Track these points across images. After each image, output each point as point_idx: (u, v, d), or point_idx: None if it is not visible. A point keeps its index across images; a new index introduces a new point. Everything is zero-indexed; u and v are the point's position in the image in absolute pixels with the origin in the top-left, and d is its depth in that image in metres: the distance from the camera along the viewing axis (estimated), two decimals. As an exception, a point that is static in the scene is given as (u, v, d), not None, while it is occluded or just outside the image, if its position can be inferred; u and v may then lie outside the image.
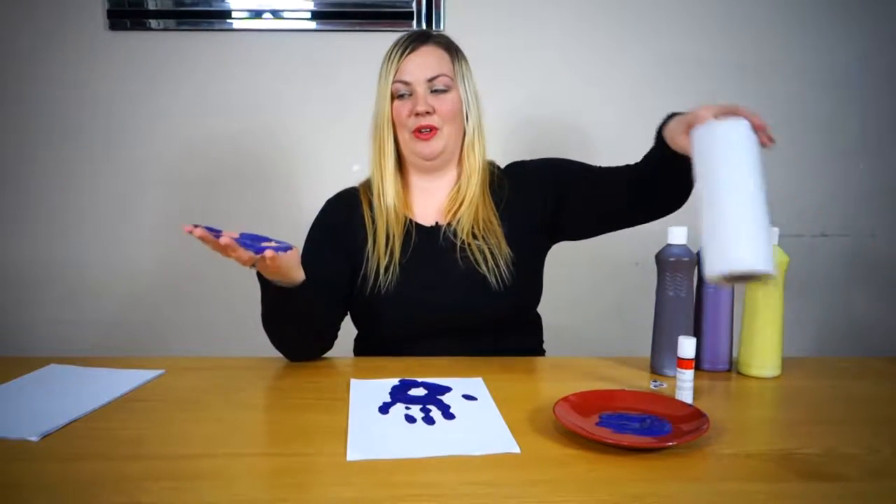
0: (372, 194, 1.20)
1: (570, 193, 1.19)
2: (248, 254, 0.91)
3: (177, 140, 1.86)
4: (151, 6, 1.81)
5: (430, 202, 1.20)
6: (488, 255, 1.12)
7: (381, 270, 1.12)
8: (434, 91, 1.14)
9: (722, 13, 1.86)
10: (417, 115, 1.13)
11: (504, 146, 1.89)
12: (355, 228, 1.18)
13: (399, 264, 1.12)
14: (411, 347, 1.13)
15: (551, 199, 1.20)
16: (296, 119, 1.86)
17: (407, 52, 1.14)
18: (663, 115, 1.14)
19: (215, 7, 1.81)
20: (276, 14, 1.82)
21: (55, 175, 1.87)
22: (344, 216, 1.20)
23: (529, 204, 1.20)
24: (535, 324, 1.29)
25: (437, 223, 1.18)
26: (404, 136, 1.16)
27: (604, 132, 1.89)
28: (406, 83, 1.13)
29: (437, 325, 1.13)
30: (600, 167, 1.21)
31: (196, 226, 0.87)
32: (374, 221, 1.17)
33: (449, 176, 1.21)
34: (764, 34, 1.87)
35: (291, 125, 1.87)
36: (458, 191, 1.18)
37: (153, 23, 1.82)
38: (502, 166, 1.28)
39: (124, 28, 1.82)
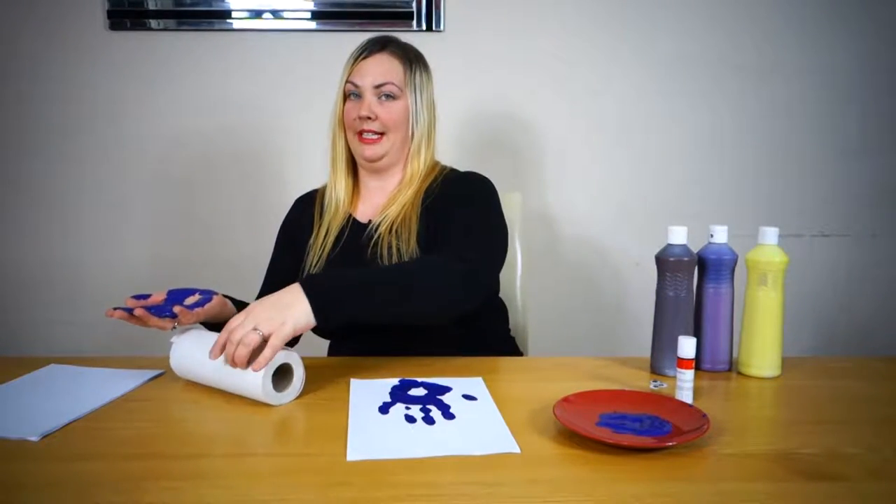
0: (326, 194, 1.28)
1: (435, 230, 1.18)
2: (165, 322, 1.01)
3: (177, 140, 1.86)
4: (151, 6, 1.81)
5: (373, 201, 1.26)
6: (395, 251, 1.14)
7: (314, 263, 1.20)
8: (383, 96, 1.18)
9: (722, 13, 1.86)
10: (361, 118, 1.17)
11: (502, 145, 1.90)
12: (305, 224, 1.27)
13: (328, 258, 1.19)
14: (357, 343, 1.18)
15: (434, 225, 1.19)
16: (296, 119, 1.86)
17: (362, 55, 1.20)
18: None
19: (215, 7, 1.81)
20: (276, 14, 1.82)
21: (55, 175, 1.87)
22: (299, 212, 1.31)
23: (435, 209, 1.19)
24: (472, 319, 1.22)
25: (369, 220, 1.22)
26: (351, 137, 1.21)
27: (604, 132, 1.89)
28: (356, 85, 1.19)
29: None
30: (446, 237, 1.14)
31: (116, 308, 0.99)
32: (321, 218, 1.25)
33: (395, 178, 1.26)
34: (764, 34, 1.87)
35: (291, 125, 1.87)
36: (397, 192, 1.23)
37: (153, 23, 1.82)
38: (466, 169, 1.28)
39: (124, 28, 1.82)
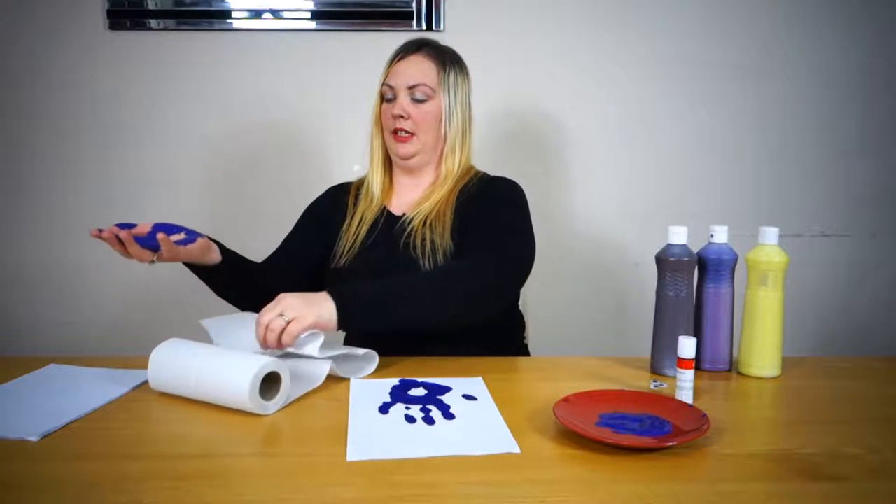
0: (362, 186, 1.33)
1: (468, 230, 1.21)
2: (146, 253, 1.06)
3: (176, 140, 1.86)
4: (151, 6, 1.81)
5: (408, 196, 1.30)
6: (427, 243, 1.18)
7: (346, 249, 1.25)
8: (414, 99, 1.22)
9: (722, 13, 1.86)
10: (395, 117, 1.23)
11: (503, 145, 1.90)
12: (336, 210, 1.32)
13: (361, 245, 1.24)
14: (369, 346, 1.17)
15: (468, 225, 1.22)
16: (296, 119, 1.86)
17: (398, 58, 1.25)
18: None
19: (215, 7, 1.81)
20: (276, 14, 1.82)
21: (55, 175, 1.86)
22: (330, 198, 1.37)
23: (468, 209, 1.23)
24: (504, 322, 1.29)
25: (403, 213, 1.26)
26: (386, 136, 1.27)
27: (605, 132, 1.89)
28: (391, 87, 1.24)
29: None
30: (476, 239, 1.18)
31: (101, 230, 1.03)
32: (355, 207, 1.30)
33: (428, 176, 1.30)
34: (764, 34, 1.87)
35: (291, 125, 1.87)
36: (431, 189, 1.27)
37: (153, 23, 1.82)
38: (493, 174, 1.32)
39: (124, 28, 1.82)
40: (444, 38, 1.31)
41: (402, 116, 1.22)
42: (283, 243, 1.34)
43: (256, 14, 1.82)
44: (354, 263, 1.23)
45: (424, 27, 1.81)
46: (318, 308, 0.96)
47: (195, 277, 1.23)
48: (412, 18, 1.81)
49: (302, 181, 1.88)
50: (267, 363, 0.87)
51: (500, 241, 1.15)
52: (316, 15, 1.82)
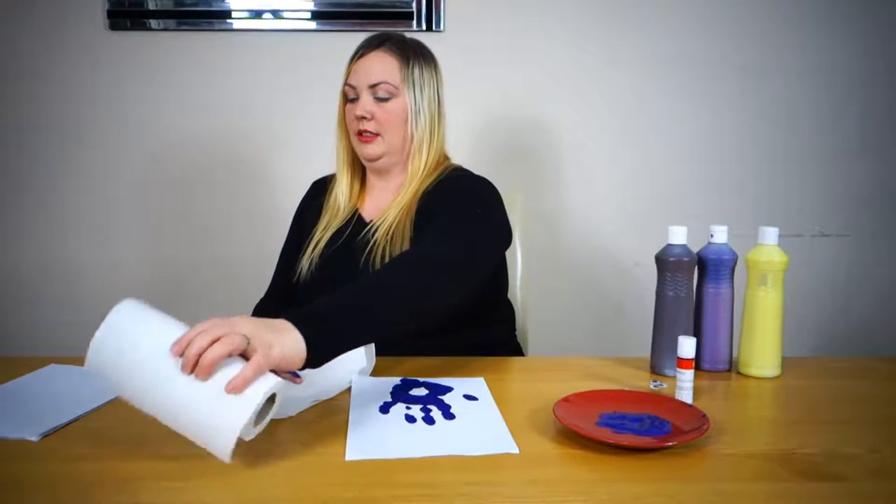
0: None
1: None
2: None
3: (176, 140, 1.86)
4: (151, 6, 1.81)
5: (379, 199, 1.24)
6: (387, 256, 1.11)
7: (306, 255, 1.20)
8: (377, 98, 1.16)
9: (722, 13, 1.86)
10: (357, 118, 1.16)
11: (503, 146, 1.90)
12: (314, 209, 1.27)
13: (321, 255, 1.18)
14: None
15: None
16: (296, 119, 1.86)
17: (358, 55, 1.19)
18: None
19: (215, 7, 1.81)
20: (276, 14, 1.82)
21: (55, 175, 1.86)
22: (311, 196, 1.33)
23: (429, 211, 1.14)
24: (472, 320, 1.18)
25: (372, 219, 1.20)
26: (352, 138, 1.20)
27: (604, 133, 1.89)
28: (353, 87, 1.18)
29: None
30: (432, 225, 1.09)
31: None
32: (325, 209, 1.25)
33: (398, 178, 1.23)
34: (764, 34, 1.87)
35: (291, 125, 1.87)
36: (398, 194, 1.19)
37: (153, 23, 1.82)
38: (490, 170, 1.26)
39: (124, 28, 1.82)
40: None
41: (364, 118, 1.15)
42: (280, 261, 1.30)
43: (256, 14, 1.82)
44: (313, 272, 1.17)
45: (424, 27, 1.81)
46: (283, 337, 0.74)
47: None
48: (412, 18, 1.81)
49: (302, 181, 1.87)
50: (269, 381, 0.70)
51: (451, 228, 1.04)
52: (316, 15, 1.82)
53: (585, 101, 1.88)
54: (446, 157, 1.25)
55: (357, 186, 1.26)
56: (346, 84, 1.19)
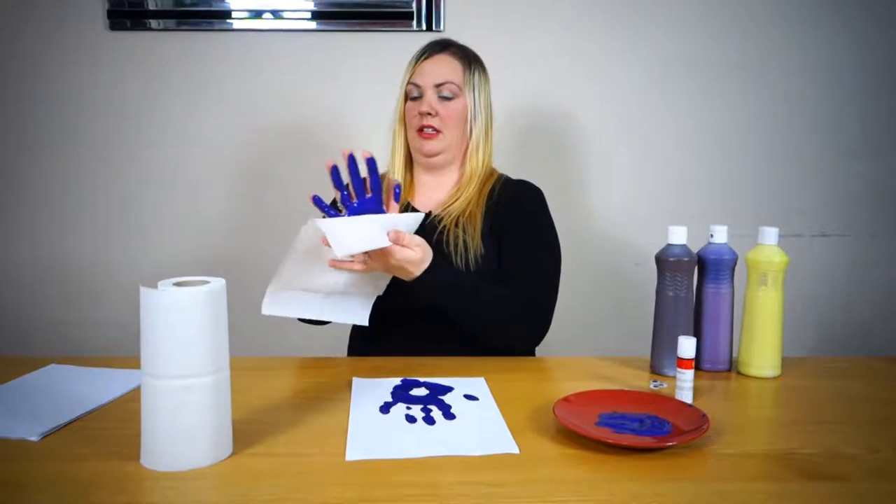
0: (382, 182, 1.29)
1: (504, 244, 1.24)
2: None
3: (176, 140, 1.86)
4: (151, 6, 1.81)
5: (430, 195, 1.29)
6: (460, 243, 1.19)
7: None
8: (441, 97, 1.23)
9: (723, 13, 1.86)
10: (422, 114, 1.22)
11: (501, 146, 1.89)
12: None
13: None
14: (397, 330, 1.20)
15: (502, 232, 1.24)
16: (296, 119, 1.86)
17: (423, 57, 1.26)
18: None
19: (215, 7, 1.81)
20: (276, 14, 1.82)
21: (55, 175, 1.86)
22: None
23: (501, 216, 1.24)
24: None
25: (430, 212, 1.26)
26: (411, 133, 1.26)
27: (604, 132, 1.89)
28: (417, 85, 1.24)
29: (400, 300, 1.13)
30: (510, 259, 1.22)
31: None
32: None
33: (450, 175, 1.29)
34: (764, 34, 1.87)
35: (291, 125, 1.87)
36: (457, 189, 1.27)
37: (153, 23, 1.82)
38: (513, 177, 1.32)
39: (124, 28, 1.82)
40: (443, 38, 1.31)
41: (429, 114, 1.22)
42: None
43: (256, 14, 1.82)
44: None
45: (424, 27, 1.81)
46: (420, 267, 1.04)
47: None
48: (412, 18, 1.81)
49: (302, 181, 1.87)
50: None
51: (538, 288, 1.20)
52: (316, 15, 1.82)
53: (585, 102, 1.88)
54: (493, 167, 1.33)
55: (408, 181, 1.30)
56: (409, 83, 1.25)
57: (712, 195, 1.91)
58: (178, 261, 1.88)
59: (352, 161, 1.10)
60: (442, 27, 1.81)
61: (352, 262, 1.03)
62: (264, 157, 1.88)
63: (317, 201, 1.10)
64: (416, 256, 1.03)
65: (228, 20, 1.82)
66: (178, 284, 0.75)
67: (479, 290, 1.14)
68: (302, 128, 1.86)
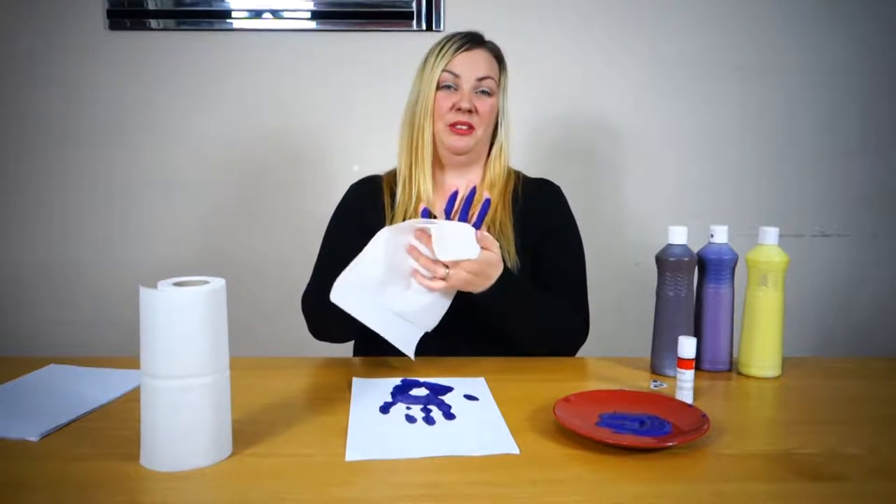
0: (396, 183, 1.22)
1: (541, 250, 1.21)
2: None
3: (176, 140, 1.86)
4: (151, 6, 1.81)
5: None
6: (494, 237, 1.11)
7: None
8: (480, 91, 1.18)
9: (722, 13, 1.86)
10: (459, 110, 1.15)
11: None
12: (372, 205, 1.21)
13: None
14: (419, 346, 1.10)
15: (537, 238, 1.21)
16: (295, 119, 1.86)
17: (462, 48, 1.18)
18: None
19: (215, 7, 1.81)
20: (276, 14, 1.82)
21: (55, 175, 1.86)
22: (370, 200, 1.23)
23: (532, 223, 1.21)
24: None
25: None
26: (439, 127, 1.18)
27: (604, 132, 1.89)
28: (456, 75, 1.17)
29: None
30: (553, 266, 1.21)
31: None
32: (392, 209, 1.20)
33: (472, 175, 1.24)
34: (764, 34, 1.87)
35: (291, 125, 1.87)
36: (484, 186, 1.22)
37: (153, 23, 1.82)
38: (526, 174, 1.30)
39: (124, 28, 1.82)
40: (474, 31, 1.30)
41: (469, 110, 1.15)
42: (330, 258, 1.19)
43: (256, 14, 1.82)
44: None
45: (424, 27, 1.81)
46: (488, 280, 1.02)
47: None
48: (412, 18, 1.81)
49: (302, 181, 1.88)
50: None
51: (581, 301, 1.21)
52: (316, 15, 1.82)
53: (585, 102, 1.88)
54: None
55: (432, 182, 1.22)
56: (444, 71, 1.16)
57: (712, 195, 1.91)
58: (178, 261, 1.88)
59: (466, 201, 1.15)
60: (442, 27, 1.81)
61: (433, 278, 1.00)
62: (264, 156, 1.88)
63: (425, 213, 1.12)
64: (496, 257, 1.02)
65: (228, 20, 1.82)
66: (177, 284, 0.75)
67: (544, 300, 1.12)
68: (302, 127, 1.86)
